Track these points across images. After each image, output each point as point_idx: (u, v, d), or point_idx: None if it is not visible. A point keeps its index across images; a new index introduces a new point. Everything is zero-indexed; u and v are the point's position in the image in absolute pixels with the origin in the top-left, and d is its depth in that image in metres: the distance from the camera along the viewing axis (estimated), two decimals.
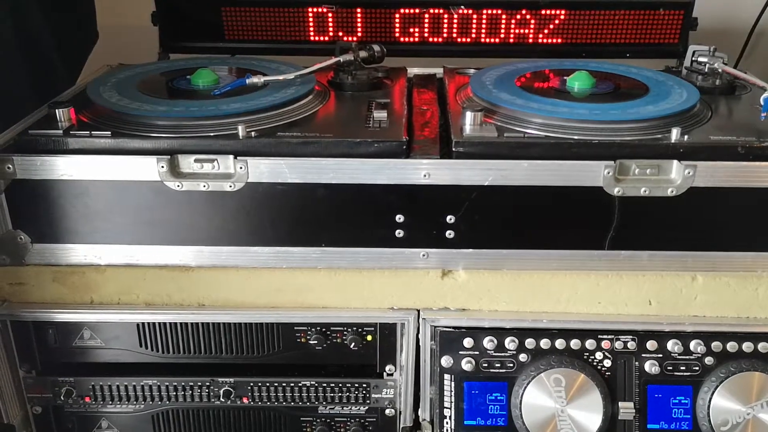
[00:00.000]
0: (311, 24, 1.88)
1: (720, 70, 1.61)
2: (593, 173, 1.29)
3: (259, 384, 1.49)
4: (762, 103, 1.40)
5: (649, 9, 1.85)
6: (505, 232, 1.36)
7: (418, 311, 1.42)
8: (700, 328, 1.39)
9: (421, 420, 1.49)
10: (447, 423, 1.42)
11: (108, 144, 1.31)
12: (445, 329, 1.41)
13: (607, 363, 1.39)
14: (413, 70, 1.81)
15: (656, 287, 1.40)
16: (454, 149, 1.31)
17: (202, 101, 1.44)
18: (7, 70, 1.61)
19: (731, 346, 1.38)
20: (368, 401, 1.51)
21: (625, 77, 1.61)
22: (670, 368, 1.39)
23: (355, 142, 1.31)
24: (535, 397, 1.37)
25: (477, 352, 1.40)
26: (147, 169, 1.30)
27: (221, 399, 1.50)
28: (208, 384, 1.49)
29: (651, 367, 1.38)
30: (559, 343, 1.39)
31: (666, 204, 1.31)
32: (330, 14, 1.87)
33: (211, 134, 1.33)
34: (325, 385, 1.50)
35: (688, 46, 1.74)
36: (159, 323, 1.45)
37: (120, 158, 1.30)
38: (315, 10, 1.86)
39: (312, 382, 1.49)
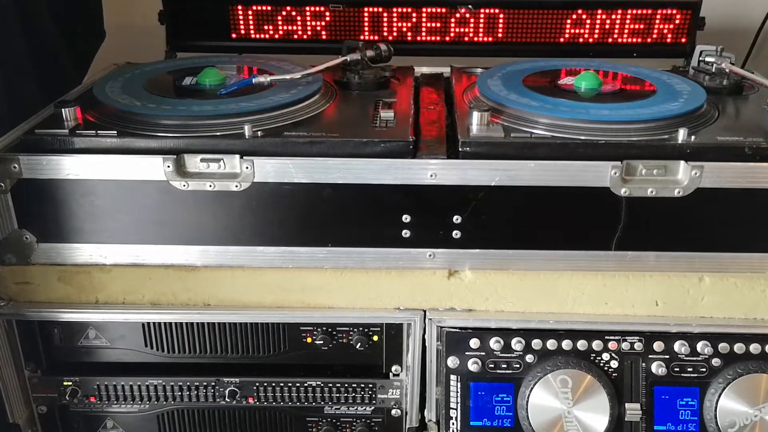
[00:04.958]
0: (318, 23, 1.88)
1: (727, 70, 1.61)
2: (600, 174, 1.29)
3: (265, 384, 1.49)
4: None
5: (657, 8, 1.84)
6: (512, 232, 1.35)
7: (425, 311, 1.42)
8: (707, 329, 1.39)
9: (427, 420, 1.49)
10: (453, 424, 1.41)
11: (114, 143, 1.31)
12: (451, 330, 1.40)
13: (614, 364, 1.39)
14: (420, 69, 1.80)
15: (663, 288, 1.39)
16: (460, 149, 1.31)
17: (208, 101, 1.44)
18: (15, 69, 1.61)
19: (738, 348, 1.37)
20: (374, 401, 1.51)
21: (632, 77, 1.61)
22: (677, 369, 1.38)
23: (361, 142, 1.31)
24: (542, 398, 1.37)
25: (483, 353, 1.40)
26: (153, 168, 1.30)
27: (227, 399, 1.49)
28: (213, 384, 1.49)
29: (658, 368, 1.38)
30: (566, 344, 1.39)
31: (673, 205, 1.31)
32: (337, 13, 1.86)
33: (218, 134, 1.33)
34: (330, 385, 1.49)
35: (695, 45, 1.74)
36: (164, 323, 1.45)
37: (126, 158, 1.30)
38: (322, 9, 1.86)
39: (318, 383, 1.49)
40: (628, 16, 1.85)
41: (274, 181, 1.31)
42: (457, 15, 1.86)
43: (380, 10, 1.86)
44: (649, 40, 1.88)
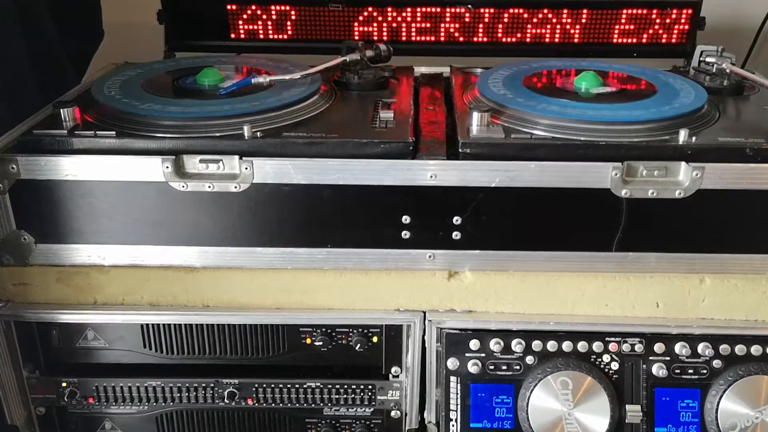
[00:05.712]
0: (317, 23, 1.87)
1: (728, 71, 1.60)
2: (600, 175, 1.28)
3: (264, 385, 1.49)
4: None
5: (657, 8, 1.84)
6: (512, 233, 1.35)
7: (424, 313, 1.41)
8: (708, 330, 1.38)
9: (426, 422, 1.49)
10: (453, 425, 1.41)
11: (113, 144, 1.31)
12: (451, 331, 1.40)
13: (615, 366, 1.38)
14: (420, 69, 1.80)
15: (664, 289, 1.39)
16: (460, 150, 1.30)
17: (207, 101, 1.43)
18: (14, 69, 1.60)
19: (739, 349, 1.37)
20: (374, 403, 1.50)
21: (632, 77, 1.60)
22: (678, 371, 1.38)
23: (361, 143, 1.30)
24: (542, 400, 1.36)
25: (483, 354, 1.39)
26: (152, 169, 1.29)
27: (226, 400, 1.49)
28: (212, 385, 1.49)
29: (659, 370, 1.37)
30: (566, 346, 1.38)
31: (674, 206, 1.30)
32: (336, 13, 1.86)
33: (217, 134, 1.33)
34: (330, 386, 1.49)
35: (695, 45, 1.73)
36: (163, 324, 1.45)
37: (125, 158, 1.29)
38: (321, 9, 1.85)
39: (317, 384, 1.49)
40: (629, 16, 1.85)
41: (274, 182, 1.30)
42: (457, 15, 1.86)
43: (380, 9, 1.85)
44: (649, 40, 1.87)
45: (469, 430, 1.41)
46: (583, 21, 1.85)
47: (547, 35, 1.88)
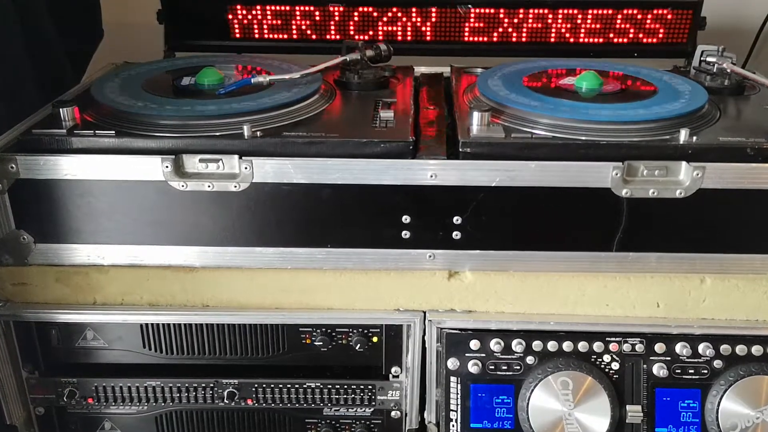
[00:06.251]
0: (317, 22, 1.87)
1: (728, 71, 1.60)
2: (601, 174, 1.28)
3: (264, 385, 1.48)
4: None
5: (658, 8, 1.84)
6: (513, 233, 1.35)
7: (424, 313, 1.41)
8: (708, 330, 1.38)
9: (426, 422, 1.48)
10: (453, 426, 1.41)
11: (112, 143, 1.31)
12: (451, 331, 1.39)
13: (615, 366, 1.38)
14: (420, 69, 1.80)
15: (664, 289, 1.38)
16: (461, 149, 1.30)
17: (207, 100, 1.43)
18: (14, 69, 1.60)
19: (740, 350, 1.37)
20: (374, 403, 1.50)
21: (633, 77, 1.60)
22: (679, 371, 1.38)
23: (361, 143, 1.30)
24: (543, 400, 1.36)
25: (483, 355, 1.39)
26: (151, 169, 1.29)
27: (225, 400, 1.48)
28: (212, 385, 1.48)
29: (659, 370, 1.37)
30: (567, 346, 1.38)
31: (674, 206, 1.30)
32: (336, 13, 1.86)
33: (216, 134, 1.32)
34: (330, 386, 1.48)
35: (696, 45, 1.73)
36: (163, 324, 1.44)
37: (124, 158, 1.29)
38: (321, 8, 1.85)
39: (317, 384, 1.48)
40: (629, 16, 1.84)
41: (273, 181, 1.30)
42: (458, 15, 1.85)
43: (380, 9, 1.85)
44: (650, 40, 1.87)
45: (469, 430, 1.40)
46: (584, 21, 1.85)
47: (548, 35, 1.87)
